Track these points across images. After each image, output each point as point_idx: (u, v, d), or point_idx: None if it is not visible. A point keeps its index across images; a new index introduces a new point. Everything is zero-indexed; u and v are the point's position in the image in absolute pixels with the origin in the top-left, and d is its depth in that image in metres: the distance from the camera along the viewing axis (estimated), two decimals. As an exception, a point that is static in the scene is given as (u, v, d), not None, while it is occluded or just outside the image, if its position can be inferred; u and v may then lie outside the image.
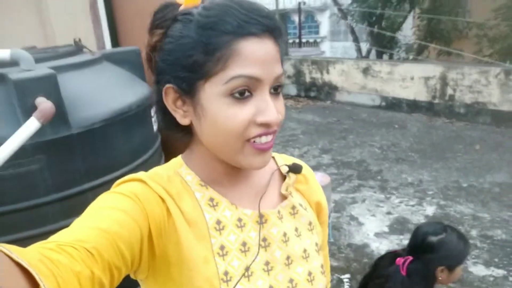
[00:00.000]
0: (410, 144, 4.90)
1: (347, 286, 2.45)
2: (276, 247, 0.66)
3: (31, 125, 1.29)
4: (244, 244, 0.63)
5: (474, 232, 2.97)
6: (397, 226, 3.11)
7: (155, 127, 2.01)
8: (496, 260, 2.63)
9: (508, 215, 3.17)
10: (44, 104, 1.34)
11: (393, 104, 6.65)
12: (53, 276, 0.41)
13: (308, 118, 6.54)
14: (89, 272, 0.45)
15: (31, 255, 0.41)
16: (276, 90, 0.60)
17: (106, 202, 0.55)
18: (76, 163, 1.55)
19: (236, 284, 0.60)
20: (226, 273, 0.60)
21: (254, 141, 0.58)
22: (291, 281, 0.66)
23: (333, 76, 7.54)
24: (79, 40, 2.18)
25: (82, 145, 1.54)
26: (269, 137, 0.59)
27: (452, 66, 6.06)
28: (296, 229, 0.69)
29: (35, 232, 1.52)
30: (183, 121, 0.61)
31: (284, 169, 0.73)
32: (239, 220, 0.64)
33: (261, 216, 0.66)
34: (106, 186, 0.66)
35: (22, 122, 1.32)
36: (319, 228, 0.76)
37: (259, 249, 0.64)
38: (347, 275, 2.56)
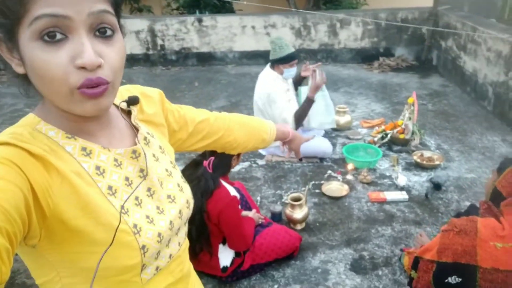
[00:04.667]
0: (144, 93, 5.32)
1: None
2: (152, 173, 0.74)
3: None
4: (127, 179, 0.69)
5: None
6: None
7: None
8: (243, 157, 3.51)
9: (236, 126, 4.17)
10: None
11: (112, 61, 6.78)
12: None
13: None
14: None
15: None
16: (103, 33, 0.58)
17: None
18: None
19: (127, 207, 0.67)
20: (121, 207, 0.65)
21: (82, 88, 0.57)
22: (169, 196, 0.77)
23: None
24: None
25: None
26: (100, 87, 0.58)
27: (156, 19, 6.69)
28: (154, 155, 0.77)
29: None
30: (18, 69, 0.59)
31: (125, 105, 0.76)
32: (115, 160, 0.68)
33: (134, 151, 0.71)
34: None
35: None
36: (168, 147, 0.85)
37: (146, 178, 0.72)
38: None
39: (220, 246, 2.10)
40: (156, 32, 6.57)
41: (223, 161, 2.04)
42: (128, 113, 0.78)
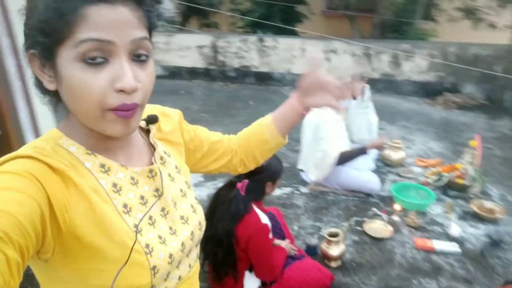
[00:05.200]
0: (200, 107, 5.45)
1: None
2: (167, 193, 0.74)
3: None
4: (142, 197, 0.69)
5: (265, 167, 3.74)
6: (209, 175, 3.57)
7: None
8: (284, 182, 3.43)
9: (283, 149, 4.09)
10: None
11: (174, 73, 7.06)
12: None
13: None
14: (2, 255, 0.46)
15: None
16: (139, 57, 0.60)
17: None
18: None
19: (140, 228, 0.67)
20: (135, 226, 0.66)
21: (116, 110, 0.59)
22: (182, 217, 0.77)
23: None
24: None
25: None
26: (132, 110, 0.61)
27: (219, 35, 6.89)
28: (169, 175, 0.78)
29: None
30: (50, 86, 0.60)
31: (144, 124, 0.79)
32: (132, 178, 0.69)
33: (151, 171, 0.72)
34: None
35: None
36: (185, 167, 0.86)
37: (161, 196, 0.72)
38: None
39: (247, 273, 2.02)
40: (218, 48, 6.75)
41: (257, 185, 1.98)
42: (147, 132, 0.80)
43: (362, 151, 3.06)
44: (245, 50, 6.67)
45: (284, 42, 6.49)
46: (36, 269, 0.65)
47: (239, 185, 1.96)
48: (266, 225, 1.93)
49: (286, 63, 6.55)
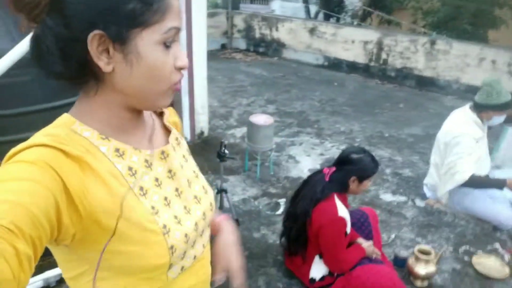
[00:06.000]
0: (346, 100, 5.47)
1: (283, 206, 2.94)
2: (180, 174, 0.77)
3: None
4: (156, 179, 0.71)
5: (388, 170, 3.59)
6: (328, 164, 3.63)
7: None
8: (401, 190, 3.26)
9: (416, 158, 3.84)
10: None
11: (334, 64, 7.17)
12: None
13: (256, 72, 6.87)
14: (12, 249, 0.46)
15: None
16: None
17: (11, 174, 0.53)
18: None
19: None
20: (153, 207, 0.68)
21: (176, 84, 0.67)
22: (195, 197, 0.79)
23: (282, 33, 7.86)
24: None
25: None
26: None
27: (388, 33, 6.64)
28: (183, 156, 0.81)
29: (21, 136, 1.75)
30: (107, 68, 0.61)
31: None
32: (146, 161, 0.70)
33: (163, 152, 0.74)
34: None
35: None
36: (189, 151, 0.89)
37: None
38: (283, 199, 3.05)
39: (316, 257, 2.09)
40: (383, 46, 6.53)
41: (341, 176, 2.00)
42: (159, 115, 0.83)
43: (500, 185, 2.68)
44: (412, 51, 6.28)
45: (458, 47, 5.85)
46: (54, 250, 0.66)
47: (325, 170, 2.03)
48: (342, 218, 1.95)
49: (456, 70, 5.91)
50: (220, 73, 6.50)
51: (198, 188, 0.81)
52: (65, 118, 0.65)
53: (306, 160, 3.74)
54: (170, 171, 0.74)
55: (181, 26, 0.64)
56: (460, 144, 2.71)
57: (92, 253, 0.63)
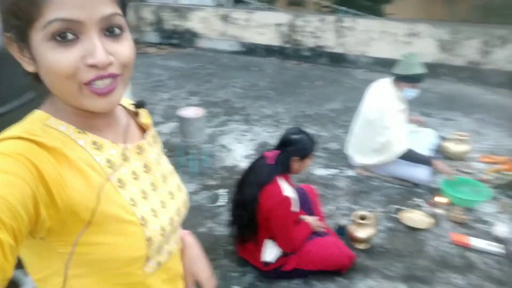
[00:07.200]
0: (267, 84, 5.59)
1: (225, 197, 2.96)
2: (155, 169, 0.78)
3: None
4: (133, 173, 0.72)
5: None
6: (260, 148, 3.73)
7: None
8: (333, 164, 3.46)
9: (340, 132, 4.08)
10: None
11: (250, 49, 7.25)
12: None
13: (172, 64, 6.69)
14: None
15: None
16: (112, 32, 0.60)
17: None
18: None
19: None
20: (131, 199, 0.68)
21: (91, 85, 0.59)
22: (170, 193, 0.80)
23: (194, 23, 7.71)
24: None
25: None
26: (106, 81, 0.60)
27: (298, 14, 6.87)
28: (158, 154, 0.82)
29: None
30: (29, 68, 0.61)
31: (133, 107, 0.82)
32: (123, 154, 0.71)
33: (139, 147, 0.75)
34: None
35: None
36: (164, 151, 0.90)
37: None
38: (223, 190, 3.06)
39: (269, 241, 2.15)
40: (295, 27, 6.75)
41: (284, 158, 2.07)
42: (134, 115, 0.82)
43: (427, 162, 2.96)
44: (322, 30, 6.57)
45: (362, 23, 6.26)
46: (27, 251, 0.65)
47: (267, 153, 2.08)
48: (287, 197, 2.03)
49: (362, 45, 6.34)
50: (135, 69, 6.08)
51: (173, 184, 0.82)
52: (37, 114, 0.65)
53: (239, 147, 3.78)
54: (146, 165, 0.76)
55: (75, 17, 0.55)
56: (387, 118, 2.94)
57: (65, 248, 0.62)
